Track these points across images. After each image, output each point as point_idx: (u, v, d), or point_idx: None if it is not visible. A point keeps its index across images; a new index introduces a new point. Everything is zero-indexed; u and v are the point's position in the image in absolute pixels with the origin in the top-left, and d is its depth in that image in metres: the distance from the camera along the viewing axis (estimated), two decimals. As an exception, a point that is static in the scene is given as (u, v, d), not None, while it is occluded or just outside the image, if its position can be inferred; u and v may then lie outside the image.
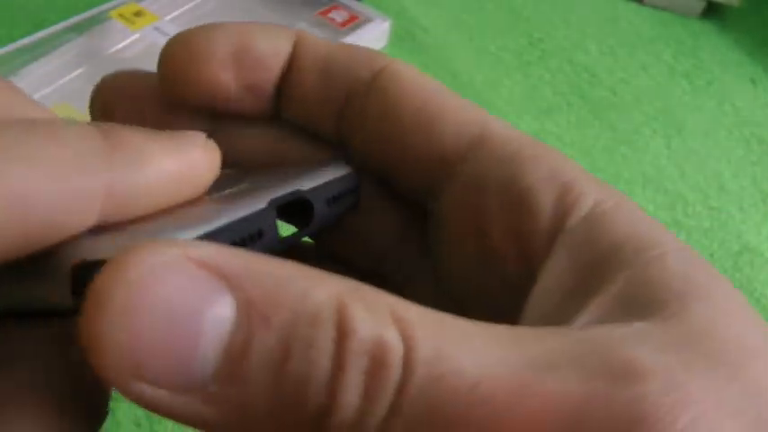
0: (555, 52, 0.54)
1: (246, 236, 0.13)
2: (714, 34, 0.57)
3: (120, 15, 0.49)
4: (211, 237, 0.12)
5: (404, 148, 0.14)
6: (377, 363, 0.09)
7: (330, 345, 0.09)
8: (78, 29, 0.48)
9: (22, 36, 0.47)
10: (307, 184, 0.15)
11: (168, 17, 0.50)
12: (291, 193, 0.15)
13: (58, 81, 0.45)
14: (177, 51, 0.15)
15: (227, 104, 0.16)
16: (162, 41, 0.48)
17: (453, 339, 0.09)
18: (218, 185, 0.14)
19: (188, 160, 0.12)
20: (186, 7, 0.51)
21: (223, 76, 0.15)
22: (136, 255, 0.09)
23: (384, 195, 0.16)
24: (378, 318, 0.09)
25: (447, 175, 0.14)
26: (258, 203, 0.13)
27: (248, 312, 0.09)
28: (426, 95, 0.14)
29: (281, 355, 0.09)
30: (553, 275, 0.13)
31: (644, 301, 0.11)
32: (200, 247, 0.09)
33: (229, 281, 0.09)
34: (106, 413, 0.12)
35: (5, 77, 0.45)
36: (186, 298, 0.09)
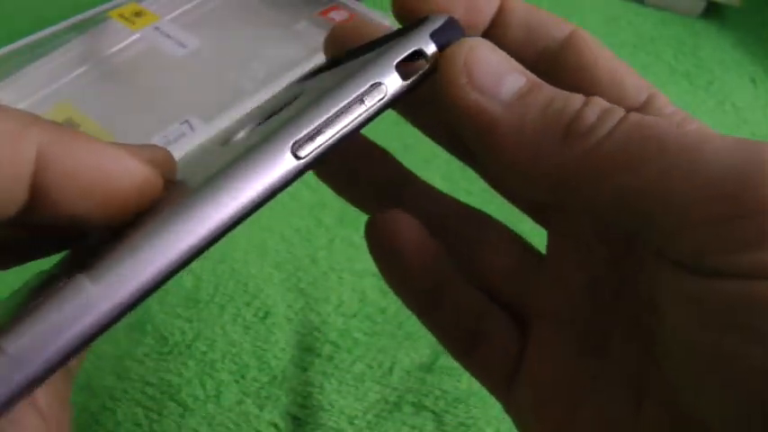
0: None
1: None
2: (714, 34, 0.57)
3: (121, 15, 0.49)
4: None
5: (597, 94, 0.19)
6: (607, 109, 0.16)
7: (579, 99, 0.16)
8: (78, 29, 0.48)
9: (23, 36, 0.47)
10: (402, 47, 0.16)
11: (168, 17, 0.50)
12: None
13: (59, 81, 0.45)
14: None
15: None
16: (162, 41, 0.48)
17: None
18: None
19: (125, 163, 0.15)
20: (186, 7, 0.51)
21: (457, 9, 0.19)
22: (469, 40, 0.16)
23: None
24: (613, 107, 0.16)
25: None
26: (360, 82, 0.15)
27: (532, 83, 0.16)
28: (612, 58, 0.19)
29: (549, 99, 0.16)
30: None
31: None
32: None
33: (524, 72, 0.16)
34: None
35: (6, 77, 0.45)
36: (499, 60, 0.16)
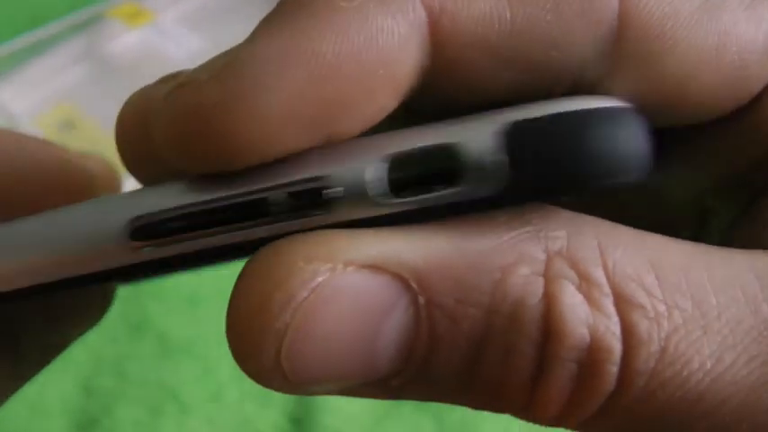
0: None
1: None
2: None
3: (120, 14, 0.49)
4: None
5: None
6: (588, 371, 0.07)
7: (532, 349, 0.07)
8: (77, 27, 0.48)
9: (21, 34, 0.47)
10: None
11: (168, 16, 0.50)
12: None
13: (57, 80, 0.45)
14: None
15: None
16: (161, 41, 0.48)
17: (685, 322, 0.08)
18: None
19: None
20: (186, 6, 0.51)
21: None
22: (301, 276, 0.08)
23: None
24: (593, 303, 0.07)
25: None
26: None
27: (433, 315, 0.08)
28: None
29: (472, 359, 0.08)
30: None
31: None
32: (370, 249, 0.08)
33: (407, 281, 0.08)
34: None
35: (4, 76, 0.45)
36: (360, 316, 0.08)
